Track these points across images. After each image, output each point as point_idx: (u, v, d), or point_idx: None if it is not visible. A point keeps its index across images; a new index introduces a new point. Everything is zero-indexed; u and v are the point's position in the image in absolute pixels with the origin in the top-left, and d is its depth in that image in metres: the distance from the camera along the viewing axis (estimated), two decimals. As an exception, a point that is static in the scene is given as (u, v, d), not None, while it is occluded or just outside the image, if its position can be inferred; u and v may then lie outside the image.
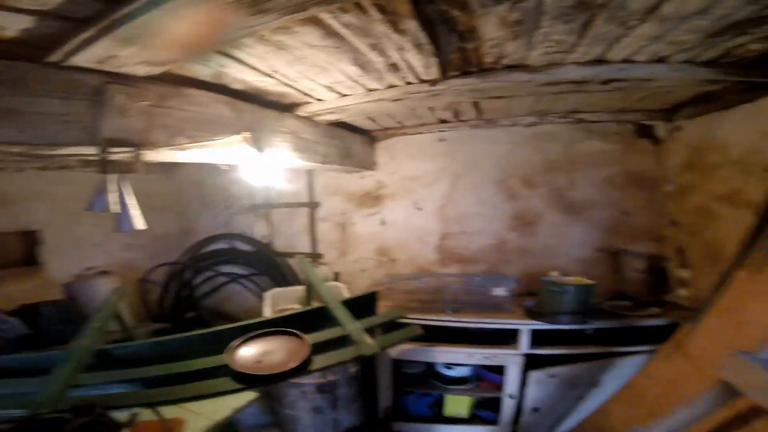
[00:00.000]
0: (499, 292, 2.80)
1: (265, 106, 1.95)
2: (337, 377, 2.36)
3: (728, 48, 1.37)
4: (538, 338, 2.33)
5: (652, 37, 1.28)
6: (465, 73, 1.80)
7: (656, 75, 1.55)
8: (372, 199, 3.22)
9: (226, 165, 2.04)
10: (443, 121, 2.92)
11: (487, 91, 1.90)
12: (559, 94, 1.96)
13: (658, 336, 2.03)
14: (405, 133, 3.11)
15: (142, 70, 1.30)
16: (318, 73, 1.69)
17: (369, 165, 3.12)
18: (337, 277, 3.30)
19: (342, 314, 1.62)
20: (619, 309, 2.38)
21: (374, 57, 1.54)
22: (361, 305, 1.84)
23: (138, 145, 1.37)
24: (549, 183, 2.88)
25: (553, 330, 2.29)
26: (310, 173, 3.38)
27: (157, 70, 1.32)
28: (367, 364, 2.53)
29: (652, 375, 1.80)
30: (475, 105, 2.42)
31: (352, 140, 2.84)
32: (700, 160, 2.22)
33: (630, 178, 2.74)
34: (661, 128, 2.60)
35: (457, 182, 3.05)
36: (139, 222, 1.40)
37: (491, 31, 1.34)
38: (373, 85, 1.88)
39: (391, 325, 1.90)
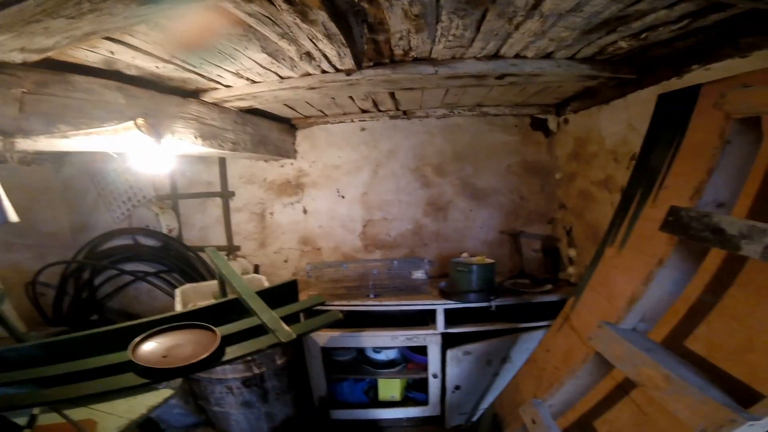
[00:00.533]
0: (418, 275, 2.96)
1: (165, 92, 1.84)
2: (263, 370, 2.31)
3: (602, 45, 1.57)
4: (452, 317, 2.47)
5: (536, 33, 1.44)
6: (378, 64, 1.86)
7: (543, 70, 1.74)
8: (293, 187, 3.17)
9: (117, 153, 1.87)
10: (364, 111, 2.97)
11: (399, 82, 1.98)
12: (464, 87, 2.11)
13: (553, 311, 2.21)
14: (327, 122, 3.11)
15: (17, 57, 1.20)
16: (223, 60, 1.64)
17: (289, 153, 3.07)
18: (257, 269, 3.21)
19: (256, 304, 1.61)
20: (519, 287, 2.65)
21: (285, 46, 1.51)
22: (280, 295, 1.84)
23: (8, 133, 1.23)
24: (458, 171, 3.09)
25: (464, 308, 2.46)
26: (222, 162, 3.21)
27: (34, 57, 1.23)
28: (296, 354, 2.51)
29: (549, 348, 2.02)
30: (392, 96, 2.51)
31: (269, 128, 2.77)
32: (582, 149, 2.55)
33: (527, 167, 3.06)
34: (552, 121, 2.93)
35: (378, 170, 3.13)
36: (11, 214, 1.24)
37: (397, 23, 1.40)
38: (287, 73, 1.87)
39: (314, 313, 1.92)
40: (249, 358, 2.24)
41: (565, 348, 1.90)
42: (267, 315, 1.55)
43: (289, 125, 3.08)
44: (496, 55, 1.75)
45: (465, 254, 2.99)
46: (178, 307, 2.42)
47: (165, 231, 3.20)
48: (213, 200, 3.26)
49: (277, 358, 2.37)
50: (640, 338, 1.15)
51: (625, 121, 2.02)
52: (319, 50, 1.60)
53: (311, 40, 1.50)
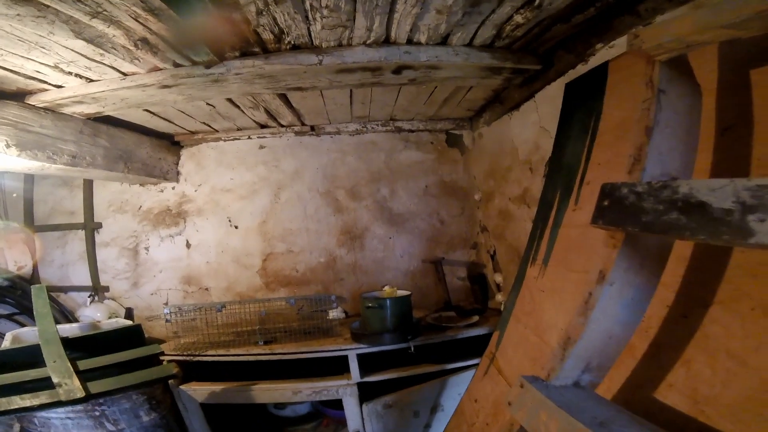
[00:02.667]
0: (334, 314, 2.54)
1: None
2: (122, 428, 1.72)
3: (498, 23, 1.38)
4: (370, 362, 2.08)
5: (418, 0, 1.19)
6: (247, 54, 1.54)
7: (441, 60, 1.51)
8: (173, 216, 2.64)
9: None
10: (263, 126, 2.61)
11: (279, 77, 1.65)
12: (363, 87, 1.83)
13: (483, 347, 1.93)
14: (219, 139, 2.68)
15: None
16: (30, 50, 1.32)
17: (167, 175, 2.56)
18: (129, 313, 2.58)
19: (51, 351, 1.36)
20: (443, 321, 2.31)
21: (105, 28, 1.22)
22: (115, 342, 1.56)
23: None
24: (374, 194, 2.78)
25: (380, 352, 2.07)
26: (89, 186, 2.62)
27: None
28: (173, 409, 1.99)
29: (476, 398, 1.64)
30: (287, 103, 2.17)
31: (137, 143, 2.28)
32: (497, 164, 2.35)
33: (445, 188, 2.83)
34: (467, 137, 2.75)
35: (280, 194, 2.71)
36: None
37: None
38: (128, 67, 1.54)
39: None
40: (97, 412, 1.71)
41: (493, 397, 1.53)
42: (60, 365, 1.33)
43: (170, 142, 2.60)
44: (387, 41, 1.50)
45: (387, 287, 2.64)
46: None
47: (12, 268, 2.51)
48: (75, 233, 2.63)
49: (143, 414, 1.81)
50: (586, 399, 0.80)
51: (535, 125, 1.84)
52: (156, 34, 1.29)
53: (136, 20, 1.20)
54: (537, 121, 1.82)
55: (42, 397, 1.23)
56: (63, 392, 1.26)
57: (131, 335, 1.59)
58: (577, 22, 1.36)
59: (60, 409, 1.37)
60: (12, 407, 1.16)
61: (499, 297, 2.56)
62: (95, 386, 1.29)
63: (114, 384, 1.37)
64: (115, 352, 1.49)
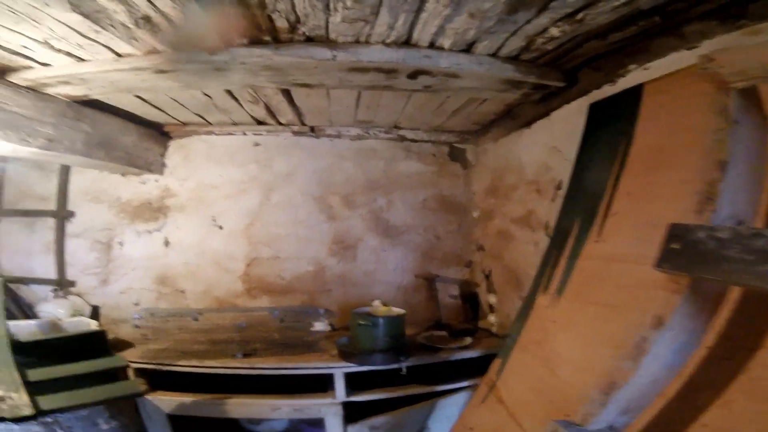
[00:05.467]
0: (319, 327, 2.40)
1: None
2: None
3: (531, 35, 1.31)
4: (356, 381, 1.95)
5: (452, 1, 1.10)
6: (257, 43, 1.42)
7: (462, 69, 1.43)
8: (152, 211, 2.46)
9: None
10: (260, 123, 2.48)
11: (287, 71, 1.54)
12: (374, 89, 1.74)
13: (474, 368, 1.89)
14: (211, 132, 2.54)
15: None
16: (19, 22, 1.20)
17: (151, 167, 2.39)
18: (95, 311, 2.38)
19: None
20: (435, 341, 2.21)
21: (107, 3, 1.11)
22: (76, 348, 1.41)
23: None
24: (370, 203, 2.67)
25: (369, 371, 1.94)
26: (65, 171, 2.42)
27: None
28: (136, 419, 1.81)
29: (472, 426, 1.55)
30: (290, 100, 2.04)
31: (122, 130, 2.12)
32: (500, 182, 2.29)
33: (443, 202, 2.74)
34: (471, 152, 2.68)
35: (271, 196, 2.57)
36: None
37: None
38: (125, 48, 1.42)
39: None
40: (50, 419, 1.54)
41: (493, 426, 1.44)
42: (5, 375, 1.17)
43: (158, 132, 2.44)
44: (407, 42, 1.41)
45: (377, 302, 2.51)
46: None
47: None
48: (45, 221, 2.42)
49: (101, 422, 1.65)
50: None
51: (548, 144, 1.78)
52: (161, 13, 1.18)
53: None
54: (550, 140, 1.76)
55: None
56: (7, 408, 1.09)
57: (93, 342, 1.44)
58: (613, 40, 1.30)
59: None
60: None
61: (492, 318, 2.49)
62: (47, 401, 1.13)
63: (69, 400, 1.22)
64: (74, 359, 1.34)
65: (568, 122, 1.64)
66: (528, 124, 1.99)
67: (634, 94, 1.19)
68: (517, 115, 2.06)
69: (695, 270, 0.65)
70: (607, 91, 1.43)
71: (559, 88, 1.64)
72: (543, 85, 1.61)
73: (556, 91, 1.69)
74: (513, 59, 1.48)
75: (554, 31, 1.24)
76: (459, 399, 1.94)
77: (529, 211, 1.96)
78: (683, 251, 0.66)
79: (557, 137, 1.73)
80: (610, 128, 1.28)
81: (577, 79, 1.59)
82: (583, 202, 1.27)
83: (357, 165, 2.67)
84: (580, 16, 1.15)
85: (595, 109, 1.42)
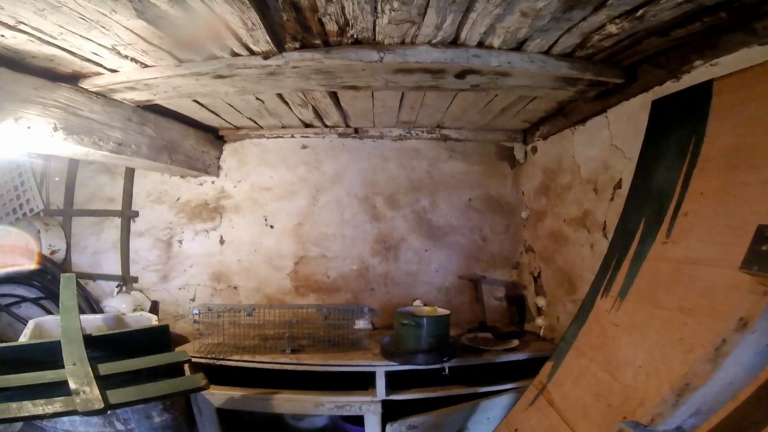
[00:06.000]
0: (361, 325, 2.43)
1: (25, 72, 1.49)
2: (131, 427, 1.64)
3: (586, 32, 1.26)
4: (397, 380, 1.96)
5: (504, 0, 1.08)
6: (307, 46, 1.47)
7: (513, 67, 1.39)
8: (210, 211, 2.60)
9: None
10: (308, 126, 2.55)
11: (336, 73, 1.57)
12: (419, 90, 1.73)
13: (519, 371, 1.84)
14: (262, 136, 2.64)
15: None
16: (90, 29, 1.27)
17: (209, 169, 2.53)
18: (155, 306, 2.55)
19: (72, 351, 1.27)
20: (479, 343, 2.16)
21: (169, 9, 1.16)
22: (140, 342, 1.47)
23: None
24: (413, 204, 2.67)
25: (411, 371, 1.94)
26: (130, 174, 2.62)
27: None
28: (188, 411, 1.92)
29: (517, 427, 1.51)
30: (336, 102, 2.09)
31: (183, 134, 2.26)
32: (552, 182, 2.20)
33: (490, 203, 2.68)
34: (519, 150, 2.60)
35: (319, 197, 2.64)
36: None
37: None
38: (185, 54, 1.48)
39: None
40: (108, 411, 1.68)
41: (541, 430, 1.39)
42: (79, 369, 1.22)
43: (214, 135, 2.57)
44: (454, 42, 1.39)
45: (418, 302, 2.53)
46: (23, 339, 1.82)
47: (45, 252, 2.55)
48: (111, 220, 2.64)
49: (155, 414, 1.73)
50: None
51: (605, 142, 1.68)
52: (219, 18, 1.23)
53: (202, 1, 1.12)
54: (608, 138, 1.67)
55: (57, 405, 1.10)
56: (80, 401, 1.12)
57: (157, 336, 1.51)
58: (676, 36, 1.22)
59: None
60: (22, 414, 1.04)
61: (540, 320, 2.40)
62: (115, 395, 1.18)
63: (136, 395, 1.25)
64: (139, 353, 1.40)
65: (628, 119, 1.55)
66: (582, 121, 1.90)
67: (704, 91, 1.10)
68: (570, 113, 1.97)
69: None
70: (671, 87, 1.34)
71: (616, 84, 1.56)
72: (600, 81, 1.53)
73: (614, 88, 1.61)
74: (567, 56, 1.43)
75: (612, 28, 1.19)
76: (503, 401, 1.90)
77: (586, 211, 1.87)
78: None
79: (616, 135, 1.63)
80: (678, 126, 1.19)
81: (636, 76, 1.51)
82: (649, 202, 1.19)
83: (399, 165, 2.68)
84: (640, 12, 1.10)
85: (659, 106, 1.33)
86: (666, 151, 1.20)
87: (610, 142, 1.65)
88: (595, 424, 1.01)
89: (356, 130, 2.62)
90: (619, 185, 1.56)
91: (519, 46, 1.40)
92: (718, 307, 0.70)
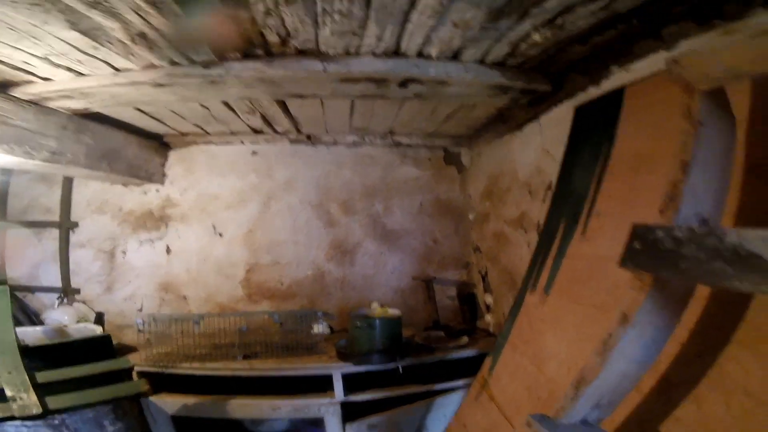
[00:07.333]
0: (319, 329, 2.44)
1: None
2: None
3: (514, 41, 1.35)
4: (355, 382, 1.99)
5: (436, 11, 1.15)
6: (249, 56, 1.48)
7: (450, 76, 1.47)
8: (155, 220, 2.52)
9: None
10: (257, 132, 2.53)
11: (281, 83, 1.59)
12: (365, 98, 1.78)
13: (472, 368, 1.90)
14: (210, 142, 2.59)
15: None
16: (20, 39, 1.25)
17: (153, 177, 2.45)
18: (100, 318, 2.43)
19: (8, 362, 1.25)
20: (432, 341, 2.24)
21: (103, 21, 1.16)
22: (79, 352, 1.44)
23: None
24: (368, 209, 2.72)
25: (367, 372, 1.98)
26: (68, 183, 2.49)
27: None
28: (141, 420, 1.82)
29: (465, 423, 1.57)
30: (285, 110, 2.10)
31: (124, 142, 2.18)
32: (495, 186, 2.32)
33: (440, 206, 2.78)
34: (465, 155, 2.72)
35: (270, 204, 2.62)
36: None
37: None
38: (122, 63, 1.47)
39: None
40: (56, 420, 1.60)
41: (484, 424, 1.46)
42: (15, 378, 1.21)
43: (159, 142, 2.50)
44: (396, 53, 1.45)
45: (375, 304, 2.56)
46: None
47: None
48: (50, 231, 2.49)
49: (107, 424, 1.66)
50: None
51: (538, 147, 1.81)
52: (155, 29, 1.24)
53: (137, 13, 1.14)
54: (541, 143, 1.80)
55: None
56: (17, 407, 1.14)
57: (99, 345, 1.47)
58: (595, 43, 1.33)
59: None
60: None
61: (488, 317, 2.52)
62: (54, 401, 1.19)
63: (75, 400, 1.26)
64: (80, 362, 1.37)
65: (557, 125, 1.67)
66: (519, 127, 2.02)
67: (617, 96, 1.22)
68: (509, 119, 2.10)
69: (654, 268, 0.68)
70: (593, 93, 1.45)
71: (546, 92, 1.67)
72: (530, 89, 1.64)
73: (544, 95, 1.72)
74: (499, 65, 1.52)
75: (536, 37, 1.28)
76: (456, 398, 1.97)
77: (523, 212, 2.00)
78: (644, 250, 0.69)
79: (547, 140, 1.76)
80: (594, 130, 1.31)
81: (563, 83, 1.62)
82: (570, 202, 1.30)
83: (355, 172, 2.72)
84: (559, 21, 1.19)
85: (580, 111, 1.45)
86: (584, 154, 1.32)
87: (543, 147, 1.78)
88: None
89: (309, 137, 2.63)
90: (550, 187, 1.68)
91: (455, 56, 1.48)
92: (612, 302, 0.78)
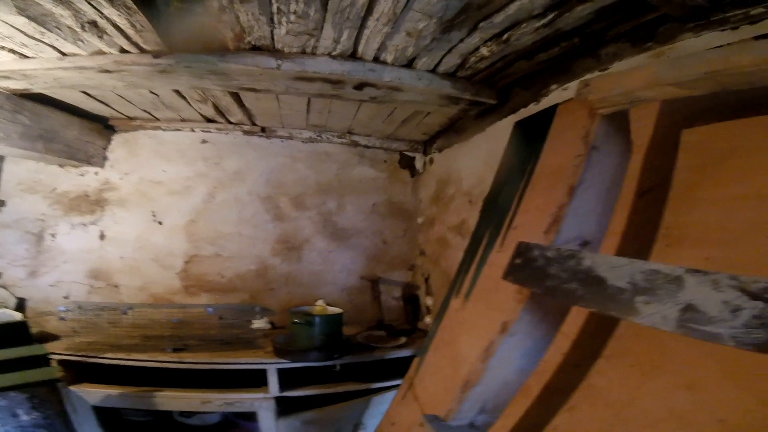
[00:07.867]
0: (259, 324, 2.43)
1: None
2: None
3: (464, 54, 1.41)
4: (292, 378, 2.00)
5: (390, 19, 1.20)
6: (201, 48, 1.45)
7: (403, 82, 1.53)
8: (90, 203, 2.38)
9: None
10: (210, 121, 2.47)
11: (233, 76, 1.58)
12: (322, 97, 1.81)
13: (407, 367, 1.90)
14: (158, 128, 2.49)
15: None
16: None
17: (92, 159, 2.33)
18: (21, 304, 2.27)
19: None
20: (372, 340, 2.30)
21: (53, 8, 1.15)
22: None
23: None
24: (319, 206, 2.73)
25: (304, 368, 2.00)
26: (-3, 160, 2.31)
27: None
28: (61, 410, 1.79)
29: (394, 421, 1.61)
30: (239, 102, 2.07)
31: (64, 123, 2.08)
32: (442, 192, 2.42)
33: (392, 208, 2.85)
34: (419, 160, 2.81)
35: (216, 194, 2.57)
36: None
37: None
38: (70, 48, 1.43)
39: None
40: None
41: (408, 423, 1.52)
42: None
43: (103, 125, 2.37)
44: (353, 56, 1.49)
45: (320, 301, 2.58)
46: None
47: None
48: (-30, 210, 2.29)
49: (21, 413, 1.65)
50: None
51: (482, 158, 1.91)
52: (106, 18, 1.23)
53: (89, 2, 1.14)
54: (485, 155, 1.89)
55: None
56: None
57: (14, 332, 1.41)
58: (539, 60, 1.39)
59: None
60: None
61: (428, 319, 2.62)
62: None
63: None
64: None
65: (499, 138, 1.72)
66: (468, 138, 2.12)
67: (549, 114, 1.24)
68: (459, 129, 2.19)
69: (528, 283, 0.76)
70: (532, 109, 1.53)
71: (492, 105, 1.76)
72: (478, 101, 1.72)
73: (491, 108, 1.81)
74: (450, 76, 1.59)
75: (484, 51, 1.34)
76: (392, 396, 1.95)
77: (462, 220, 2.10)
78: (523, 266, 0.77)
79: (491, 152, 1.83)
80: (525, 146, 1.38)
81: (509, 98, 1.70)
82: (496, 213, 1.38)
83: (309, 167, 2.72)
84: (506, 36, 1.24)
85: (518, 126, 1.53)
86: (515, 168, 1.40)
87: (486, 158, 1.87)
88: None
89: (263, 129, 2.60)
90: (485, 199, 1.79)
91: (409, 64, 1.53)
92: (500, 312, 0.85)
